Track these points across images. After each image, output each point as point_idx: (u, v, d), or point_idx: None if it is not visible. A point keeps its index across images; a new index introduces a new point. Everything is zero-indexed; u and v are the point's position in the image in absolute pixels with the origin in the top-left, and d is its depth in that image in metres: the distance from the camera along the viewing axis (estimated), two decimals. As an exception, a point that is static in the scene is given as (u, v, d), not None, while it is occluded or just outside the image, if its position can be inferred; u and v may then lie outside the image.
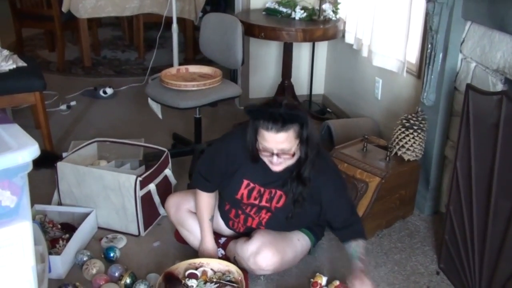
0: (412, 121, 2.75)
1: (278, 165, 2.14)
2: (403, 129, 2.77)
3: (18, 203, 1.25)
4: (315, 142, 2.15)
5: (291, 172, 2.21)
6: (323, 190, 2.26)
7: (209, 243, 2.43)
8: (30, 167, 1.26)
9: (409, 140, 2.75)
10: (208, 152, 2.47)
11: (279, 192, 2.30)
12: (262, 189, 2.31)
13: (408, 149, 2.76)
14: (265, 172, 2.23)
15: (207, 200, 2.41)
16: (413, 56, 3.12)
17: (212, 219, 2.44)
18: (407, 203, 2.90)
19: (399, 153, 2.79)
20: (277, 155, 2.10)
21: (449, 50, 2.63)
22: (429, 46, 2.69)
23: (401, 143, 2.77)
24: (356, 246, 2.27)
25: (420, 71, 3.04)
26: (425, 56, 2.76)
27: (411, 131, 2.74)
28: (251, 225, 2.41)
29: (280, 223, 2.36)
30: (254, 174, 2.29)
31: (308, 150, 2.13)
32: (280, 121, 2.02)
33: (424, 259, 2.60)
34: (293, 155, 2.11)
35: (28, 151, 1.21)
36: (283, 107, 2.03)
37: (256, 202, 2.34)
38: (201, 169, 2.41)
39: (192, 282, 2.20)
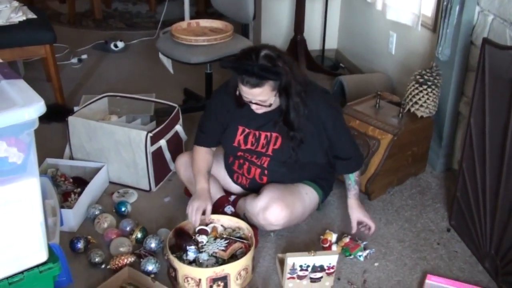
0: (426, 77, 2.69)
1: (257, 109, 2.23)
2: (416, 85, 2.71)
3: (26, 159, 1.25)
4: (296, 89, 2.16)
5: (279, 113, 2.24)
6: (322, 124, 2.29)
7: (204, 184, 2.34)
8: (37, 124, 1.24)
9: (423, 96, 2.70)
10: (206, 105, 2.50)
11: (274, 134, 2.32)
12: (257, 133, 2.34)
13: (421, 106, 2.72)
14: (256, 116, 2.27)
15: (202, 155, 2.42)
16: (428, 9, 3.03)
17: (208, 174, 2.41)
18: (420, 160, 2.88)
19: (412, 109, 2.75)
20: (256, 103, 2.18)
21: (466, 2, 2.55)
22: (446, -2, 2.61)
23: (414, 99, 2.72)
24: (353, 176, 2.42)
25: (436, 24, 2.96)
26: (441, 9, 2.68)
27: (425, 87, 2.69)
28: (255, 176, 2.41)
29: (281, 169, 2.37)
30: (247, 119, 2.33)
31: (289, 100, 2.17)
32: (254, 77, 2.07)
33: (435, 216, 2.60)
34: (270, 105, 2.18)
35: (34, 107, 1.20)
36: (260, 60, 2.07)
37: (253, 147, 2.36)
38: (200, 122, 2.47)
39: (202, 238, 2.22)
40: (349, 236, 2.39)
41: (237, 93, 2.19)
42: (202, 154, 2.42)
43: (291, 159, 2.31)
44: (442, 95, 2.77)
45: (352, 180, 2.42)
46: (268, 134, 2.33)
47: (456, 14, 2.58)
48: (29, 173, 1.27)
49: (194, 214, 2.24)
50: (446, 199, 2.72)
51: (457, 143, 2.88)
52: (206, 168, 2.40)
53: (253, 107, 2.21)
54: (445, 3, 2.61)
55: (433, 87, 2.69)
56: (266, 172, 2.38)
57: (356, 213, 2.41)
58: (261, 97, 2.13)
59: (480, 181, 2.24)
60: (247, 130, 2.36)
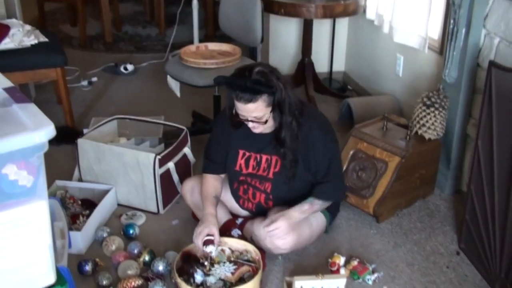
0: (433, 99, 2.70)
1: (254, 128, 2.23)
2: (424, 107, 2.72)
3: (35, 182, 1.26)
4: (290, 107, 2.18)
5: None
6: (312, 148, 2.28)
7: (210, 209, 2.32)
8: (46, 147, 1.26)
9: (430, 119, 2.70)
10: (211, 132, 2.52)
11: (274, 157, 2.33)
12: (258, 156, 2.35)
13: (429, 128, 2.72)
14: (255, 138, 2.29)
15: (210, 181, 2.43)
16: (435, 32, 3.05)
17: (216, 199, 2.39)
18: (428, 183, 2.87)
19: (420, 132, 2.75)
20: (251, 121, 2.19)
21: (472, 25, 2.57)
22: (452, 21, 2.62)
23: (422, 122, 2.73)
24: (310, 198, 2.33)
25: (442, 47, 2.97)
26: (448, 31, 2.70)
27: (432, 109, 2.70)
28: (260, 201, 2.42)
29: (285, 192, 2.37)
30: (247, 142, 2.35)
31: (282, 116, 2.17)
32: (248, 93, 2.09)
33: (444, 239, 2.58)
34: (266, 122, 2.18)
35: (44, 131, 1.22)
36: (254, 76, 2.09)
37: (255, 171, 2.37)
38: (205, 150, 2.49)
39: (210, 249, 2.21)
40: (358, 259, 2.38)
41: (233, 111, 2.21)
42: (210, 180, 2.43)
43: (289, 180, 2.32)
44: (450, 117, 2.77)
45: (312, 200, 2.33)
46: (269, 157, 2.34)
47: (463, 37, 2.60)
48: (38, 196, 1.29)
49: (197, 238, 2.23)
50: (455, 221, 2.70)
51: (465, 165, 2.87)
52: (213, 193, 2.40)
53: (250, 125, 2.21)
54: (451, 26, 2.63)
55: (440, 109, 2.69)
56: (271, 197, 2.40)
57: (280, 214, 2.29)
58: (256, 113, 2.15)
59: (489, 204, 2.23)
60: (247, 154, 2.37)
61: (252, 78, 2.09)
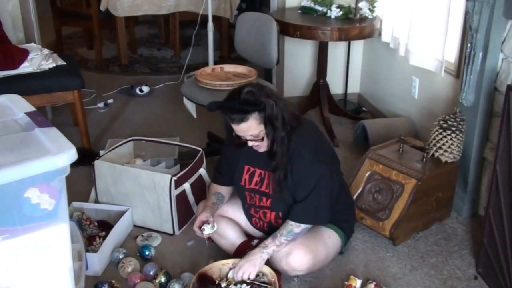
0: (450, 122, 2.69)
1: (258, 147, 2.26)
2: (440, 130, 2.71)
3: (57, 205, 1.27)
4: (283, 122, 2.19)
5: None
6: (294, 163, 2.27)
7: (208, 203, 2.48)
8: (68, 171, 1.28)
9: (447, 142, 2.69)
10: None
11: None
12: (262, 172, 2.37)
13: (445, 151, 2.71)
14: (261, 155, 2.31)
15: (216, 186, 2.53)
16: (451, 55, 3.06)
17: (219, 195, 2.51)
18: (444, 206, 2.85)
19: (436, 154, 2.74)
20: (250, 140, 2.22)
21: (489, 50, 2.57)
22: (469, 45, 2.63)
23: (438, 145, 2.72)
24: (283, 225, 2.31)
25: (459, 70, 2.97)
26: (464, 55, 2.70)
27: (449, 132, 2.69)
28: (271, 220, 2.42)
29: (282, 207, 2.36)
30: (253, 159, 2.38)
31: (275, 131, 2.18)
32: (238, 113, 2.13)
33: (462, 263, 2.55)
34: (262, 139, 2.21)
35: (66, 155, 1.23)
36: (243, 96, 2.13)
37: (257, 187, 2.39)
38: (217, 163, 2.57)
39: (205, 230, 2.33)
40: (374, 282, 2.36)
41: (234, 134, 2.25)
42: (215, 185, 2.54)
43: (279, 195, 2.31)
44: (467, 140, 2.76)
45: (282, 229, 2.28)
46: (276, 176, 2.33)
47: (479, 61, 2.60)
48: (59, 219, 1.30)
49: (197, 229, 2.37)
50: (473, 245, 2.67)
51: (482, 189, 2.85)
52: (216, 190, 2.51)
53: (250, 144, 2.24)
54: (468, 50, 2.63)
55: (457, 132, 2.68)
56: (280, 214, 2.39)
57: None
58: (250, 131, 2.18)
59: (507, 228, 2.21)
60: (252, 169, 2.40)
61: (240, 99, 2.14)
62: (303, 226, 2.28)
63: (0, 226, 1.21)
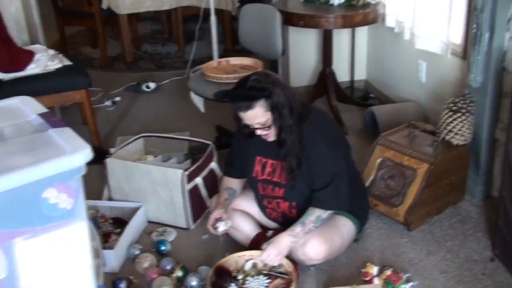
0: (459, 104, 2.68)
1: (266, 136, 2.26)
2: (450, 113, 2.70)
3: (74, 204, 1.28)
4: (291, 110, 2.19)
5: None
6: (309, 152, 2.26)
7: (220, 199, 2.49)
8: (84, 170, 1.28)
9: (457, 124, 2.68)
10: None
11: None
12: (274, 162, 2.37)
13: (456, 134, 2.70)
14: (273, 144, 2.30)
15: (227, 179, 2.55)
16: (457, 37, 3.03)
17: (230, 191, 2.51)
18: (458, 189, 2.84)
19: (447, 137, 2.73)
20: (258, 128, 2.22)
21: (495, 29, 2.55)
22: (475, 26, 2.61)
23: (449, 128, 2.71)
24: (309, 211, 2.29)
25: (465, 52, 2.95)
26: (471, 36, 2.68)
27: (459, 114, 2.67)
28: (284, 210, 2.42)
29: (295, 197, 2.36)
30: (264, 149, 2.37)
31: (282, 118, 2.18)
32: (244, 101, 2.14)
33: (478, 246, 2.55)
34: (269, 127, 2.21)
35: (82, 154, 1.24)
36: (249, 83, 2.15)
37: (270, 178, 2.38)
38: (227, 155, 2.58)
39: (220, 227, 2.35)
40: (391, 269, 2.35)
41: (242, 123, 2.25)
42: (229, 178, 2.55)
43: (292, 184, 2.31)
44: (477, 122, 2.74)
45: (304, 219, 2.27)
46: (287, 164, 2.33)
47: (487, 41, 2.58)
48: (78, 218, 1.31)
49: (211, 227, 2.39)
50: (488, 227, 2.66)
51: (495, 170, 2.83)
52: (228, 185, 2.52)
53: (258, 133, 2.24)
54: (474, 30, 2.61)
55: (467, 114, 2.67)
56: (294, 204, 2.39)
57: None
58: (257, 119, 2.18)
59: (522, 208, 2.20)
60: (263, 160, 2.40)
61: (246, 86, 2.14)
62: (328, 212, 2.29)
63: (21, 227, 1.22)
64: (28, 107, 1.50)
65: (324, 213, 2.28)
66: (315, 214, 2.27)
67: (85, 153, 1.25)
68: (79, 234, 1.32)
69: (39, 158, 1.21)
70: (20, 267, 1.23)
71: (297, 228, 2.27)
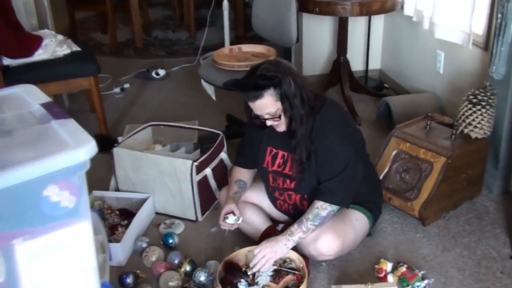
0: (480, 97, 2.58)
1: (277, 127, 2.19)
2: (470, 105, 2.60)
3: (77, 203, 1.21)
4: (302, 100, 2.12)
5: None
6: (319, 144, 2.19)
7: (230, 193, 2.41)
8: (88, 166, 1.21)
9: (477, 117, 2.59)
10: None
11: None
12: (285, 154, 2.30)
13: (475, 127, 2.61)
14: (283, 136, 2.23)
15: (238, 169, 2.48)
16: (479, 27, 2.93)
17: (241, 183, 2.44)
18: (475, 183, 2.76)
19: (466, 130, 2.64)
20: (268, 119, 2.15)
21: (521, 20, 2.45)
22: (499, 15, 2.50)
23: (468, 120, 2.61)
24: (309, 208, 2.21)
25: (487, 42, 2.85)
26: (494, 26, 2.58)
27: (478, 107, 2.58)
28: (296, 202, 2.35)
29: (306, 189, 2.29)
30: (276, 140, 2.31)
31: (292, 109, 2.11)
32: (253, 90, 2.06)
33: (496, 243, 2.47)
34: (280, 117, 2.13)
35: (86, 148, 1.16)
36: (258, 72, 2.08)
37: (280, 169, 2.32)
38: (238, 146, 2.53)
39: (229, 220, 2.29)
40: (406, 265, 2.28)
41: (252, 114, 2.18)
42: (237, 169, 2.49)
43: (301, 176, 2.24)
44: (498, 115, 2.65)
45: (308, 214, 2.19)
46: (297, 156, 2.26)
47: (511, 31, 2.47)
48: (81, 217, 1.23)
49: (222, 221, 2.31)
50: (506, 223, 2.58)
51: (515, 165, 2.75)
52: (238, 177, 2.45)
53: (268, 123, 2.18)
54: (498, 20, 2.51)
55: (487, 107, 2.57)
56: (305, 196, 2.32)
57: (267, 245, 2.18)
58: (267, 109, 2.11)
59: (545, 206, 2.11)
60: (274, 151, 2.33)
61: (255, 75, 2.08)
62: (329, 209, 2.19)
63: (20, 227, 1.15)
64: (30, 96, 1.42)
65: (323, 211, 2.19)
66: (313, 212, 2.19)
67: (90, 148, 1.17)
68: (82, 234, 1.25)
69: (40, 153, 1.14)
70: (20, 269, 1.16)
71: (293, 227, 2.20)
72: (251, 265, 2.17)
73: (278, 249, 2.17)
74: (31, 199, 1.14)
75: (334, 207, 2.20)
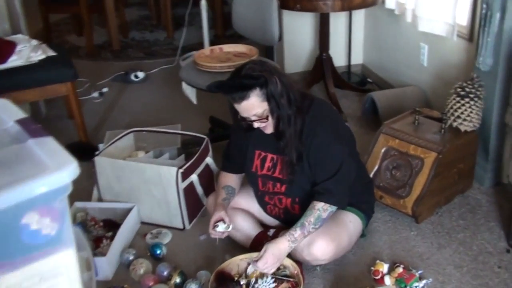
0: (467, 89, 2.54)
1: (264, 129, 2.13)
2: (458, 98, 2.56)
3: (60, 229, 1.11)
4: (289, 100, 2.06)
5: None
6: (311, 145, 2.13)
7: (219, 200, 2.32)
8: (70, 189, 1.12)
9: (466, 110, 2.55)
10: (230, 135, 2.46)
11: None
12: (274, 157, 2.24)
13: (464, 119, 2.56)
14: (271, 138, 2.17)
15: (225, 175, 2.40)
16: (463, 18, 2.88)
17: (229, 189, 2.36)
18: (466, 177, 2.72)
19: (455, 124, 2.59)
20: (255, 121, 2.08)
21: (507, 9, 2.40)
22: (484, 6, 2.46)
23: (456, 114, 2.57)
24: (308, 210, 2.12)
25: (472, 33, 2.81)
26: (480, 17, 2.53)
27: (467, 99, 2.54)
28: (287, 205, 2.29)
29: (297, 192, 2.23)
30: (264, 143, 2.24)
31: (279, 108, 2.05)
32: (239, 90, 2.00)
33: (491, 237, 2.43)
34: (267, 118, 2.07)
35: (67, 171, 1.07)
36: (243, 72, 2.02)
37: (270, 173, 2.26)
38: (224, 150, 2.44)
39: (219, 228, 2.20)
40: (402, 266, 2.23)
41: (239, 116, 2.11)
42: (225, 174, 2.41)
43: (292, 179, 2.18)
44: (486, 107, 2.61)
45: (300, 220, 2.11)
46: (286, 158, 2.20)
47: (497, 22, 2.43)
48: (64, 244, 1.14)
49: (212, 230, 2.22)
50: (500, 216, 2.55)
51: (505, 156, 2.71)
52: (226, 183, 2.37)
53: (255, 125, 2.10)
54: (484, 11, 2.46)
55: (475, 99, 2.53)
56: (297, 200, 2.25)
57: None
58: (253, 110, 2.04)
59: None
60: (263, 154, 2.27)
61: (240, 75, 2.01)
62: (329, 210, 2.12)
63: (-3, 260, 1.06)
64: (4, 112, 1.32)
65: (324, 212, 2.12)
66: (314, 214, 2.11)
67: (71, 169, 1.07)
68: (66, 263, 1.16)
69: (17, 177, 1.04)
70: (-1, 305, 1.07)
71: (296, 233, 2.10)
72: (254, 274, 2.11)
73: (281, 256, 2.09)
74: (9, 228, 1.04)
75: (333, 208, 2.14)
